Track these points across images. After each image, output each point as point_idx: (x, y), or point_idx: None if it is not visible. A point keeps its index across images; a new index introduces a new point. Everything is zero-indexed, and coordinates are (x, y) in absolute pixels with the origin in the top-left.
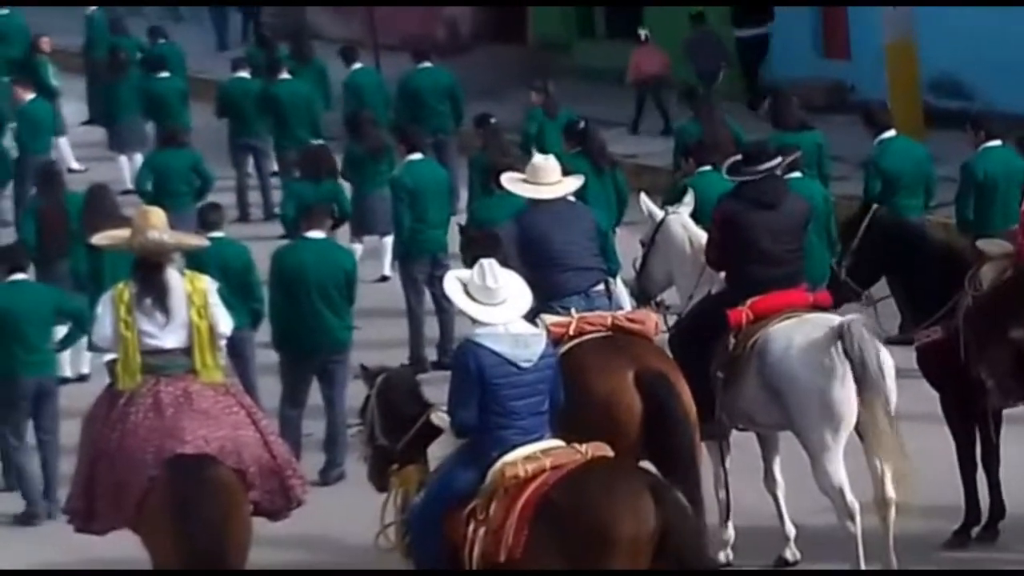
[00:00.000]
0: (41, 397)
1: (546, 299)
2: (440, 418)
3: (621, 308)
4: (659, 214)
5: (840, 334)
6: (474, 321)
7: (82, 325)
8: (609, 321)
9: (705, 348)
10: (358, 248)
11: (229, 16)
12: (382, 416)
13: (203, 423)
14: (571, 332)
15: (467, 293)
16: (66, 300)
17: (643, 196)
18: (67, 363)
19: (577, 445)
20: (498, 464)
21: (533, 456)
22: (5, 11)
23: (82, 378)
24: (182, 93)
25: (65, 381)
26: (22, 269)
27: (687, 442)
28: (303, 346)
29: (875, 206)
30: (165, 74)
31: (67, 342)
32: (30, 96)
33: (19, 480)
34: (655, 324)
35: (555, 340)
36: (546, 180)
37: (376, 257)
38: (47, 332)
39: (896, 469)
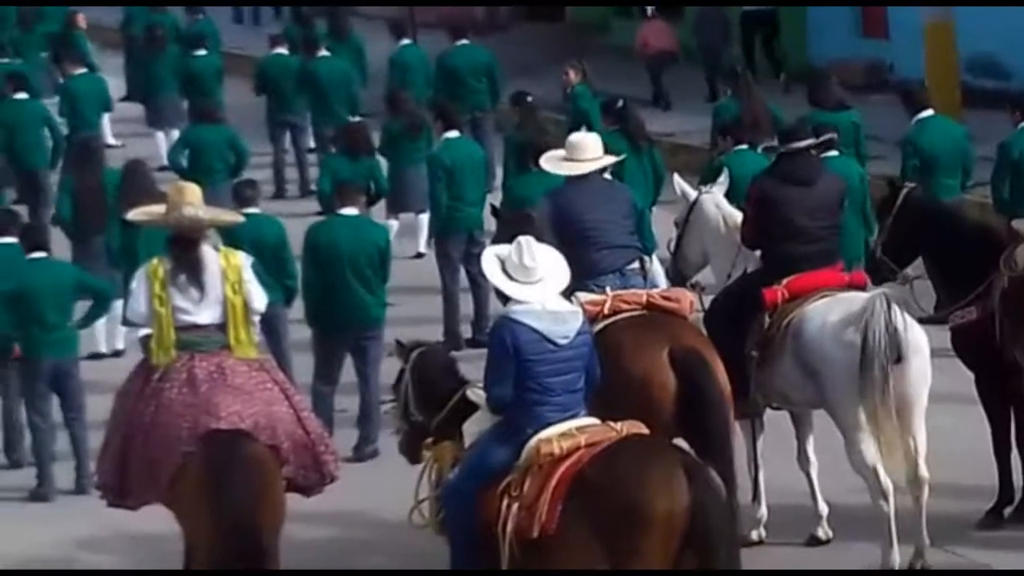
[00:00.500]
0: (60, 377)
1: (580, 277)
2: (476, 394)
3: (656, 287)
4: (693, 194)
5: (866, 311)
6: (509, 299)
7: (104, 303)
8: (644, 299)
9: (740, 327)
10: (394, 225)
11: None
12: (416, 391)
13: (237, 399)
14: (606, 311)
15: (504, 271)
16: (86, 277)
17: (676, 177)
18: (102, 338)
19: (612, 423)
20: (533, 441)
21: (568, 433)
22: None
23: (117, 353)
24: (217, 70)
25: (100, 356)
26: (42, 247)
27: (721, 421)
28: (336, 322)
29: (908, 185)
30: (202, 51)
31: (88, 320)
32: (78, 71)
33: (36, 456)
34: (690, 303)
35: (590, 318)
36: (585, 156)
37: (412, 234)
38: (66, 311)
39: (896, 449)
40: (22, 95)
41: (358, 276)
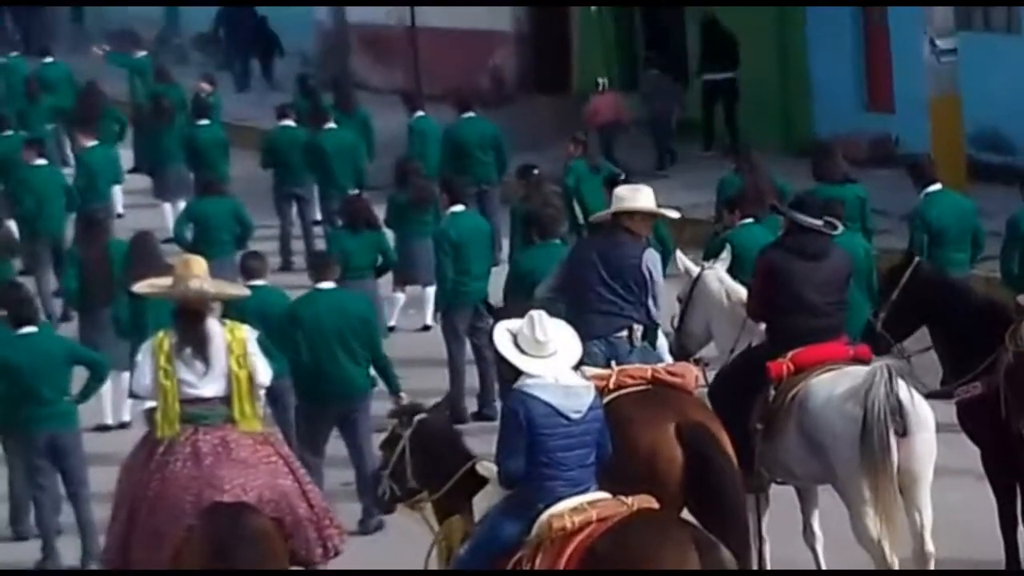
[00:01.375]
0: (58, 451)
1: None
2: (486, 468)
3: (661, 361)
4: (695, 270)
5: (866, 383)
6: (521, 373)
7: (99, 375)
8: (649, 374)
9: (745, 400)
10: (400, 297)
11: (249, 59)
12: (416, 461)
13: (241, 472)
14: (611, 385)
15: (516, 345)
16: (79, 350)
17: (678, 253)
18: (108, 410)
19: (623, 497)
20: (545, 515)
21: (580, 508)
22: (49, 59)
23: (123, 425)
24: (222, 141)
25: (106, 428)
26: (30, 321)
27: (734, 494)
28: (322, 394)
29: (917, 258)
30: (206, 122)
31: (86, 393)
32: (91, 143)
33: (40, 529)
34: (695, 378)
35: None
36: (636, 206)
37: (419, 306)
38: (60, 385)
39: (897, 524)
40: (42, 161)
41: (344, 348)
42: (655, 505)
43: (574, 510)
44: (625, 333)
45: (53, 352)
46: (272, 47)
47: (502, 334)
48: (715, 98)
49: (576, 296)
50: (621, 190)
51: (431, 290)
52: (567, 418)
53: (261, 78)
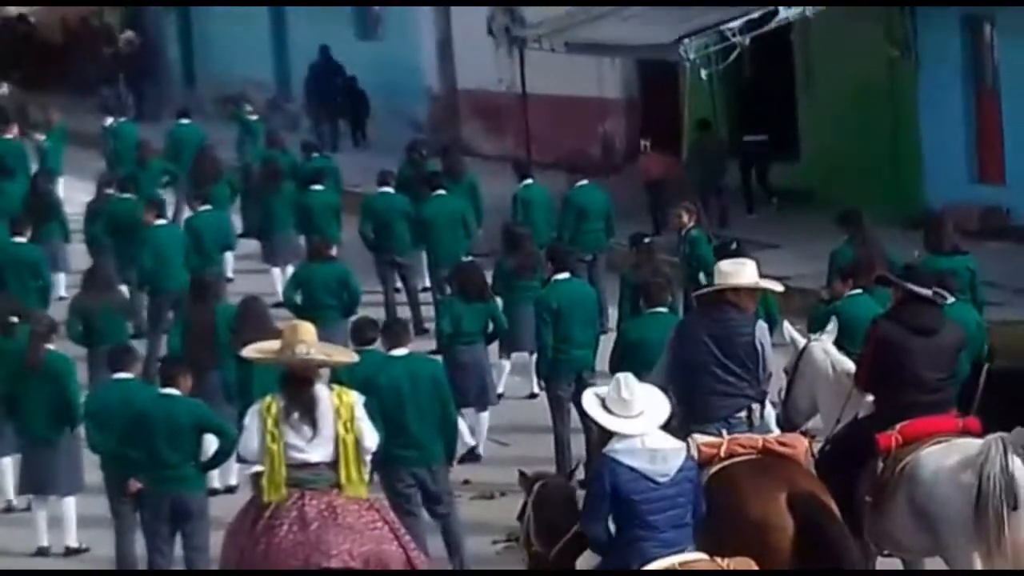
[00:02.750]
0: (180, 514)
1: (689, 420)
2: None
3: (770, 431)
4: (801, 342)
5: (981, 454)
6: (606, 431)
7: (227, 445)
8: (760, 444)
9: (853, 472)
10: (506, 364)
11: (338, 120)
12: (537, 523)
13: (348, 537)
14: (722, 454)
15: (604, 406)
16: (207, 417)
17: (786, 324)
18: (216, 473)
19: (719, 558)
20: None
21: (671, 569)
22: (185, 121)
23: (230, 489)
24: (333, 207)
25: (214, 492)
26: (172, 382)
27: (852, 563)
28: (399, 459)
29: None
30: (318, 187)
31: (216, 461)
32: (202, 208)
33: None
34: (805, 449)
35: (706, 461)
36: (739, 281)
37: (524, 373)
38: (185, 448)
39: None
40: (161, 221)
41: (418, 412)
42: (752, 566)
43: (666, 571)
44: (744, 414)
45: (180, 415)
46: (362, 108)
47: (590, 396)
48: (750, 159)
49: (690, 378)
50: (724, 265)
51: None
52: (654, 482)
53: (350, 140)
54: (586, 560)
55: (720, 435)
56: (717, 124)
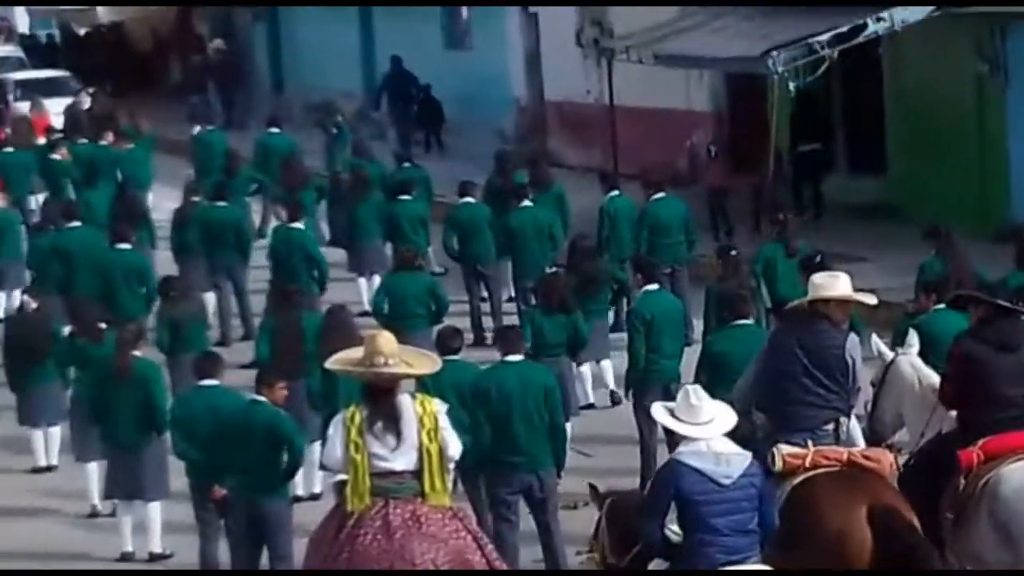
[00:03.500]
0: (259, 520)
1: (776, 429)
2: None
3: (855, 444)
4: (889, 355)
5: None
6: (674, 435)
7: (294, 458)
8: (845, 456)
9: (935, 488)
10: (587, 375)
11: (411, 130)
12: (610, 536)
13: (431, 546)
14: (806, 464)
15: (672, 414)
16: (283, 426)
17: (874, 338)
18: (299, 482)
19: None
20: None
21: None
22: (275, 130)
23: (314, 497)
24: (421, 217)
25: (298, 500)
26: (262, 390)
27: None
28: (506, 465)
29: None
30: (406, 197)
31: (285, 473)
32: (294, 224)
33: None
34: (890, 464)
35: (790, 471)
36: (831, 293)
37: (600, 385)
38: (265, 455)
39: None
40: (299, 225)
41: (527, 420)
42: None
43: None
44: (831, 426)
45: (260, 423)
46: (436, 117)
47: (659, 407)
48: (804, 169)
49: (778, 388)
50: (818, 277)
51: (604, 363)
52: (718, 484)
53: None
54: (657, 567)
55: (806, 446)
56: (805, 138)
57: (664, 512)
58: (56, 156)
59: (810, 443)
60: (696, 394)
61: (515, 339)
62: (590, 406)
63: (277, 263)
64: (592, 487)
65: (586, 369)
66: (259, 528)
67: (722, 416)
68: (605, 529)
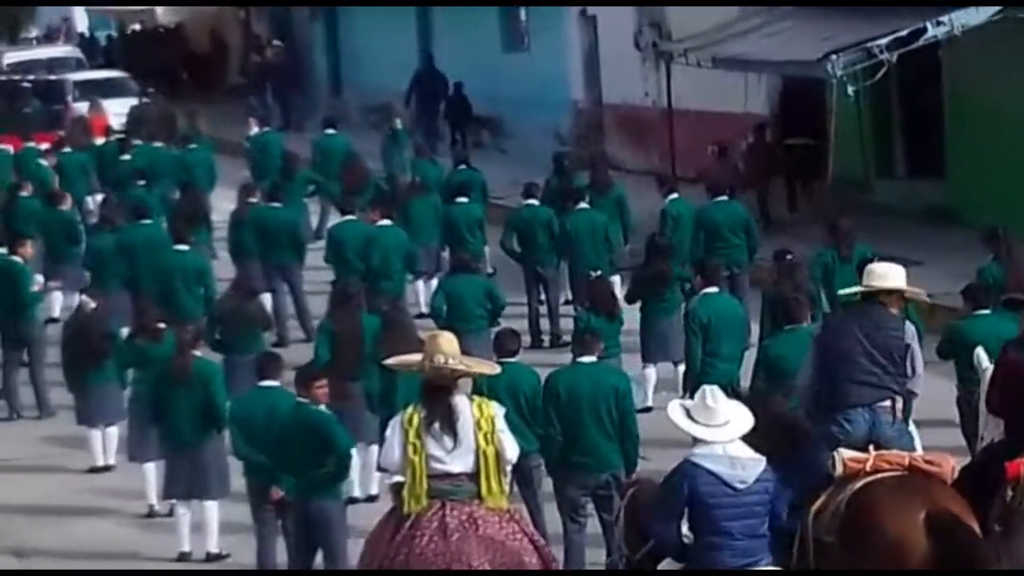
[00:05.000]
0: (312, 522)
1: (830, 409)
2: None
3: (914, 447)
4: (987, 364)
5: None
6: (695, 440)
7: (342, 466)
8: (907, 461)
9: (983, 499)
10: (649, 375)
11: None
12: (627, 526)
13: (489, 548)
14: (867, 468)
15: (688, 415)
16: (326, 428)
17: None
18: (356, 483)
19: None
20: None
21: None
22: (331, 131)
23: (371, 499)
24: (478, 219)
25: (354, 501)
26: (305, 392)
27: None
28: (574, 466)
29: None
30: (463, 200)
31: (335, 476)
32: (347, 218)
33: None
34: (951, 468)
35: (851, 475)
36: (883, 283)
37: (671, 388)
38: (316, 457)
39: None
40: (387, 222)
41: (596, 421)
42: None
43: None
44: (888, 403)
45: (309, 424)
46: (464, 115)
47: (675, 407)
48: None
49: (836, 366)
50: (876, 267)
51: (679, 368)
52: (733, 488)
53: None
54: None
55: (863, 421)
56: (864, 142)
57: (678, 514)
58: (126, 156)
59: (871, 448)
60: (713, 395)
61: (590, 341)
62: (647, 409)
63: (358, 262)
64: (614, 477)
65: (651, 372)
66: (313, 530)
67: (739, 418)
68: (623, 520)
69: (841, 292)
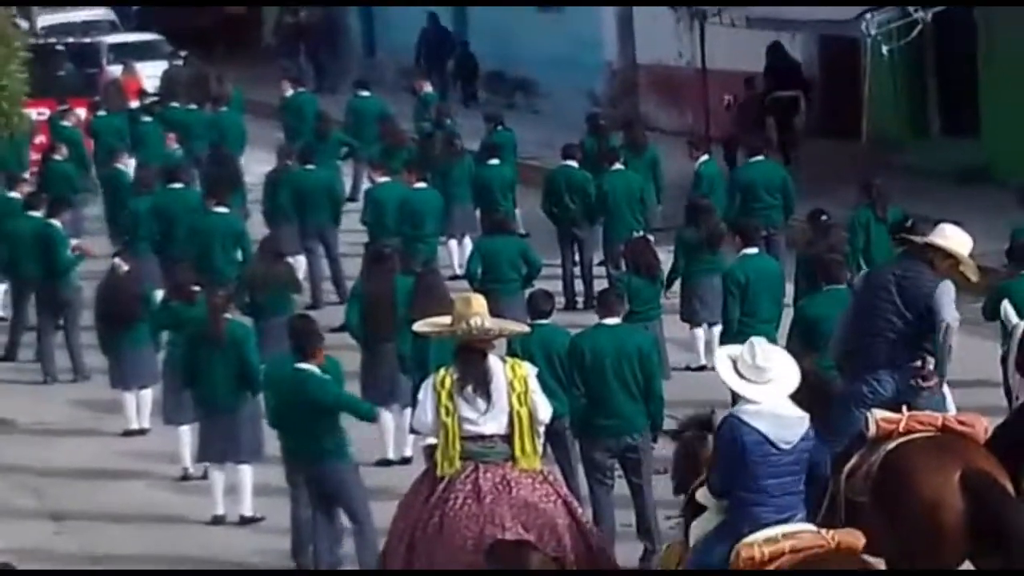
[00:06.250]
0: (326, 487)
1: (862, 368)
2: (703, 495)
3: (946, 407)
4: (1015, 320)
5: None
6: (739, 397)
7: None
8: (940, 422)
9: (1016, 459)
10: (699, 334)
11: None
12: (677, 473)
13: (522, 510)
14: (901, 429)
15: (736, 370)
16: (346, 400)
17: (1005, 303)
18: (391, 445)
19: (825, 532)
20: (737, 545)
21: (773, 539)
22: (365, 93)
23: (404, 461)
24: (509, 181)
25: (388, 463)
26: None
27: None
28: (600, 428)
29: None
30: (495, 161)
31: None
32: (383, 179)
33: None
34: (984, 428)
35: (884, 436)
36: (948, 241)
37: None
38: (323, 421)
39: None
40: (422, 184)
41: (622, 383)
42: (859, 542)
43: (767, 540)
44: (919, 363)
45: (318, 390)
46: (471, 72)
47: (723, 359)
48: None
49: (867, 324)
50: (948, 227)
51: (716, 330)
52: (777, 448)
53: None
54: (699, 526)
55: (892, 381)
56: (898, 101)
57: (733, 468)
58: (146, 119)
59: (895, 377)
60: (762, 351)
61: (613, 302)
62: (701, 368)
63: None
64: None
65: (699, 331)
66: (328, 493)
67: (786, 375)
68: (674, 464)
69: (899, 237)
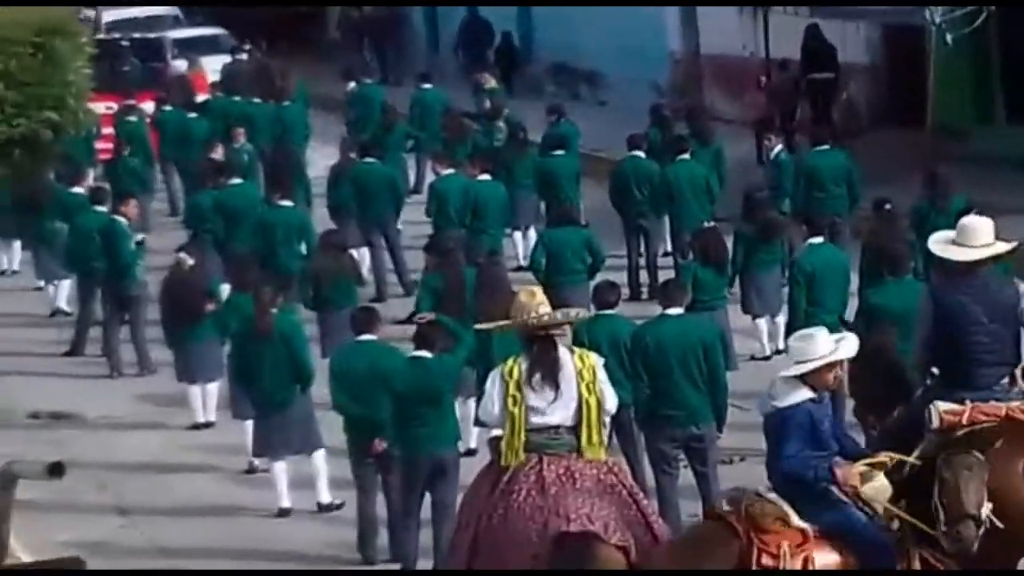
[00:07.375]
0: (435, 472)
1: (947, 386)
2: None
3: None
4: None
5: None
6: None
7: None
8: (1004, 412)
9: None
10: (763, 326)
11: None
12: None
13: (587, 501)
14: (964, 421)
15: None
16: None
17: None
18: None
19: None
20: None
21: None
22: (427, 86)
23: (469, 452)
24: (574, 172)
25: None
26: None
27: None
28: (664, 418)
29: None
30: (560, 152)
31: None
32: (447, 171)
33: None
34: None
35: (948, 428)
36: (975, 242)
37: (771, 339)
38: (426, 407)
39: None
40: (486, 176)
41: (686, 373)
42: None
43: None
44: (1007, 380)
45: (434, 376)
46: (513, 63)
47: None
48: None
49: (952, 344)
50: (972, 224)
51: (780, 319)
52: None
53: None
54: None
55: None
56: (963, 89)
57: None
58: (193, 115)
59: (968, 400)
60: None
61: (676, 292)
62: (766, 358)
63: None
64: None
65: (761, 323)
66: (432, 480)
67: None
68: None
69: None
